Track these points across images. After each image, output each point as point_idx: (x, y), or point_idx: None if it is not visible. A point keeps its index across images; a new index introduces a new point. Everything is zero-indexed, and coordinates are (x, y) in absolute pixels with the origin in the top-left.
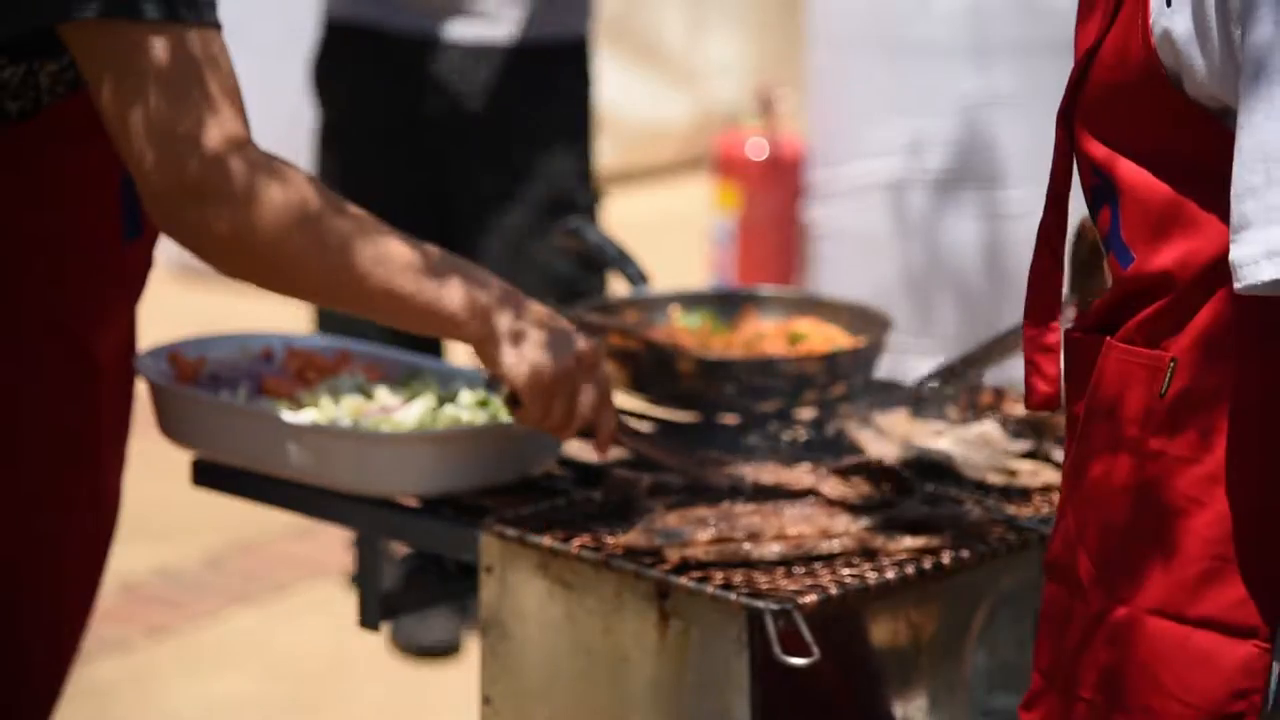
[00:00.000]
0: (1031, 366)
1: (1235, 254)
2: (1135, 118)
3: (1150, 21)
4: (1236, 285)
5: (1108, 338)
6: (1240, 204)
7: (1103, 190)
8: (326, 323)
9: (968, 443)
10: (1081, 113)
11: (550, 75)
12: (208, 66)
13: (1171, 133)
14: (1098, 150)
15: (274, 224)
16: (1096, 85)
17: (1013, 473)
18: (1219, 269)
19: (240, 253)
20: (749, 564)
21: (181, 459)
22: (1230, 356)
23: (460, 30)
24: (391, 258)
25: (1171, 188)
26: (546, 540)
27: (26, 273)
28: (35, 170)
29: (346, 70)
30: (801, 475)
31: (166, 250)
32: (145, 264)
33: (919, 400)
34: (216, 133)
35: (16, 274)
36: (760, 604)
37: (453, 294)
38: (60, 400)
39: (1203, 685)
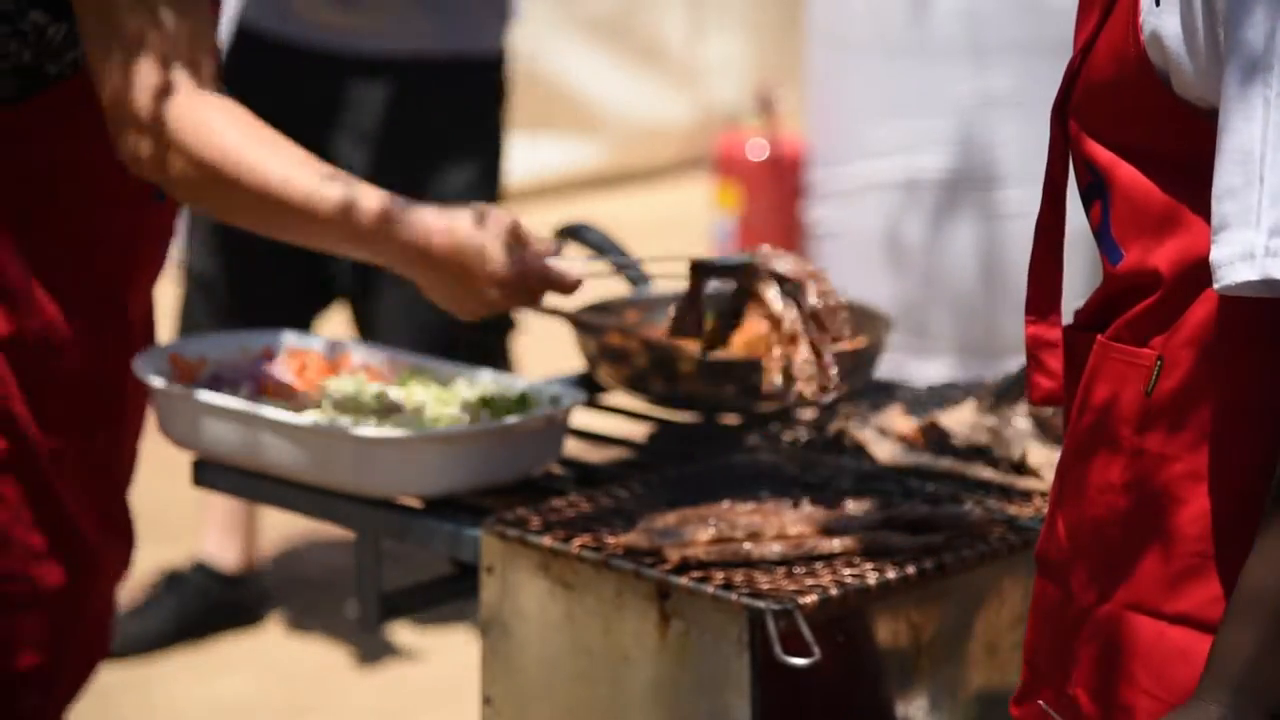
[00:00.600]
0: (1034, 362)
1: (1214, 254)
2: (1126, 115)
3: (1140, 20)
4: (1215, 285)
5: (1098, 335)
6: (1220, 204)
7: (1095, 186)
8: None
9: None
10: (1075, 109)
11: (453, 91)
12: (170, 12)
13: (1161, 131)
14: (1090, 146)
15: (201, 156)
16: (1090, 82)
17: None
18: (1206, 268)
19: (183, 184)
20: (750, 564)
21: (182, 459)
22: (1215, 356)
23: (361, 44)
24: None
25: (1160, 186)
26: (547, 540)
27: (65, 227)
28: (70, 130)
29: (248, 75)
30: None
31: None
32: (170, 228)
33: (919, 400)
34: (157, 75)
35: (55, 228)
36: (761, 604)
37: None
38: (96, 354)
39: (1176, 681)
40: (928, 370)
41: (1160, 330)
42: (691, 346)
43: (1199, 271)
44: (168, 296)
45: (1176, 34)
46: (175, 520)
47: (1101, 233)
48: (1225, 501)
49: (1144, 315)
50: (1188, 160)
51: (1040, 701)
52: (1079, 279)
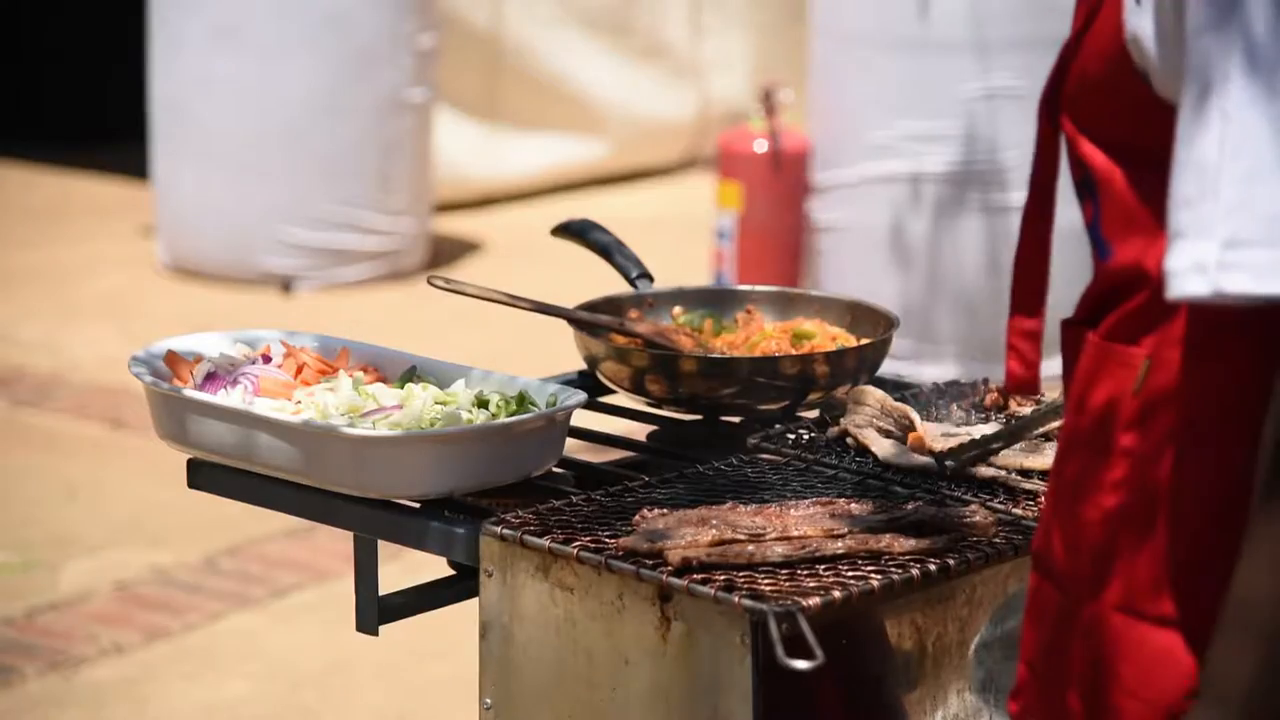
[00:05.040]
0: (1011, 350)
1: (1168, 263)
2: (1113, 111)
3: (1124, 18)
4: (1167, 295)
5: (1088, 332)
6: (1175, 213)
7: (1085, 182)
8: None
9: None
10: (1065, 103)
11: None
12: None
13: (1145, 128)
14: (1079, 141)
15: None
16: (1077, 76)
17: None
18: None
19: None
20: (752, 566)
21: (177, 460)
22: (1199, 357)
23: None
24: None
25: (1146, 184)
26: (547, 542)
27: None
28: None
29: None
30: None
31: (165, 249)
32: None
33: (922, 399)
34: None
35: None
36: (764, 606)
37: None
38: None
39: (1160, 683)
40: (933, 369)
41: (1150, 329)
42: (689, 344)
43: None
44: (165, 296)
45: (1151, 35)
46: (170, 523)
47: (1091, 229)
48: (1209, 503)
49: (1134, 314)
50: (1169, 158)
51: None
52: (1078, 274)
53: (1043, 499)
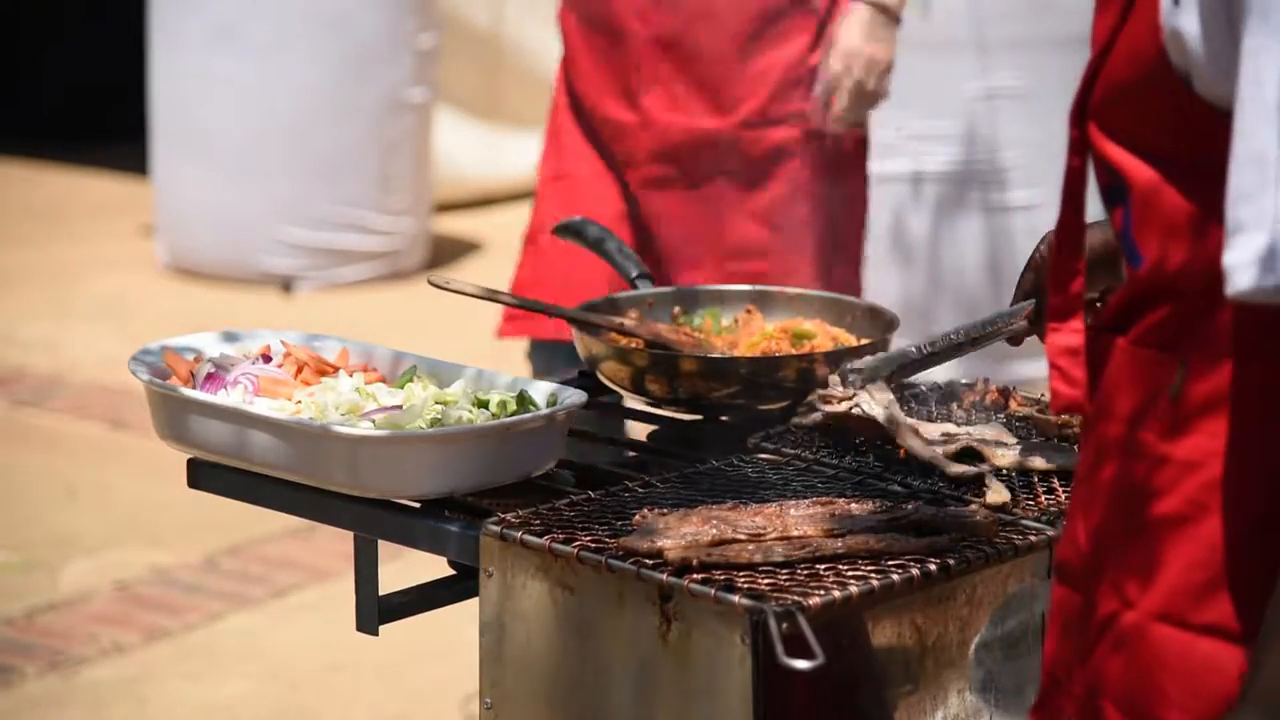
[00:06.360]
0: (1055, 370)
1: (1227, 259)
2: (1146, 116)
3: (1161, 19)
4: (1227, 290)
5: (1118, 339)
6: (1234, 208)
7: (1115, 189)
8: None
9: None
10: (1095, 110)
11: None
12: None
13: (1182, 132)
14: (1110, 148)
15: None
16: (1109, 82)
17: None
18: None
19: None
20: (752, 566)
21: (177, 460)
22: (1239, 362)
23: None
24: None
25: (1180, 189)
26: (547, 542)
27: None
28: None
29: None
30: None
31: (164, 249)
32: None
33: (922, 398)
34: None
35: None
36: (764, 606)
37: None
38: None
39: (1205, 692)
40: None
41: (1184, 335)
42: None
43: (1220, 277)
44: (165, 295)
45: (1196, 33)
46: (170, 523)
47: (1122, 236)
48: (1252, 508)
49: (1167, 320)
50: (1208, 163)
51: None
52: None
53: (1044, 498)
